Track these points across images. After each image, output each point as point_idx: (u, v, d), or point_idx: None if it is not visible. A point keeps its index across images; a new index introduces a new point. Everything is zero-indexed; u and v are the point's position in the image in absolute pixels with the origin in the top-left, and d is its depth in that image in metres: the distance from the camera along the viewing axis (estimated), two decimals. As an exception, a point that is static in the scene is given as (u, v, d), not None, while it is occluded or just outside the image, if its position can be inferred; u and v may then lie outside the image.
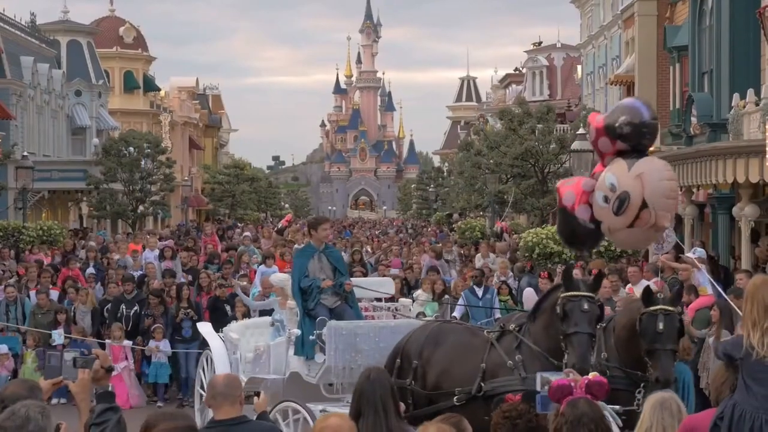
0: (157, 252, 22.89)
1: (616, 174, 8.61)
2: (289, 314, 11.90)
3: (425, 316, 13.37)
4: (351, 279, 12.31)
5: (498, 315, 16.21)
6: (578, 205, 8.87)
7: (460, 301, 16.63)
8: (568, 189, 9.04)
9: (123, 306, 17.75)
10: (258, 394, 6.76)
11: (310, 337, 11.19)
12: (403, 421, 6.44)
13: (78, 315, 18.04)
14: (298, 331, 11.37)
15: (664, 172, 8.73)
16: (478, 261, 23.34)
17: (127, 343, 17.06)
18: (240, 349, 12.66)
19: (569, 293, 8.99)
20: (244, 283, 18.82)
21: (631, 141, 8.68)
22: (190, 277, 20.24)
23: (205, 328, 14.00)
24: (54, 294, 18.66)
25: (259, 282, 18.16)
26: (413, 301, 13.70)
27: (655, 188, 8.55)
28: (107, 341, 16.67)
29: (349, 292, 11.72)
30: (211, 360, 12.98)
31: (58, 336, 16.72)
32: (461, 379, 9.76)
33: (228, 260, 22.34)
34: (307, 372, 11.32)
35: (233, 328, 13.37)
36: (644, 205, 8.49)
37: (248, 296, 17.92)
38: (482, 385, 9.43)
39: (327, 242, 12.33)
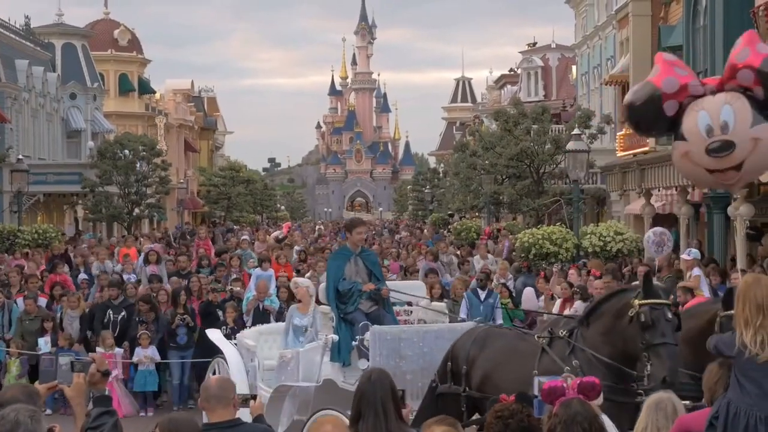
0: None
1: (736, 117, 7.90)
2: (323, 319, 11.52)
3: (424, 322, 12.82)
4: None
5: (500, 319, 16.02)
6: (671, 100, 8.13)
7: (463, 304, 16.21)
8: (673, 76, 8.18)
9: (110, 312, 17.29)
10: (254, 398, 6.74)
11: (353, 343, 10.87)
12: (404, 424, 6.39)
13: (66, 320, 17.55)
14: (336, 337, 11.00)
15: None
16: (477, 263, 23.07)
17: (119, 351, 16.64)
18: (258, 357, 12.22)
19: (651, 301, 8.50)
20: (238, 288, 18.50)
21: None
22: (186, 282, 20.01)
23: (215, 335, 13.58)
24: (42, 301, 18.16)
25: (254, 286, 17.82)
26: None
27: (760, 160, 8.07)
28: (98, 349, 16.17)
29: (386, 298, 11.40)
30: (220, 367, 12.53)
31: (44, 344, 16.39)
32: (511, 385, 9.18)
33: (220, 263, 22.09)
34: (344, 379, 10.92)
35: (247, 335, 12.92)
36: (739, 166, 7.99)
37: (241, 300, 17.59)
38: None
39: (363, 245, 11.94)
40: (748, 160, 7.97)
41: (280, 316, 16.35)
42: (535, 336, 9.58)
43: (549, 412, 5.23)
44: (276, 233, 31.88)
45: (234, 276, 20.13)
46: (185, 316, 17.09)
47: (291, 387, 11.23)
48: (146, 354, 16.74)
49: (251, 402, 6.67)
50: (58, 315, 17.80)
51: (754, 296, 6.36)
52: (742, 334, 6.33)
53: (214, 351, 15.96)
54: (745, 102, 7.93)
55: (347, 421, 6.24)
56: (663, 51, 30.61)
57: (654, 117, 8.37)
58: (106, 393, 5.93)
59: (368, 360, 10.62)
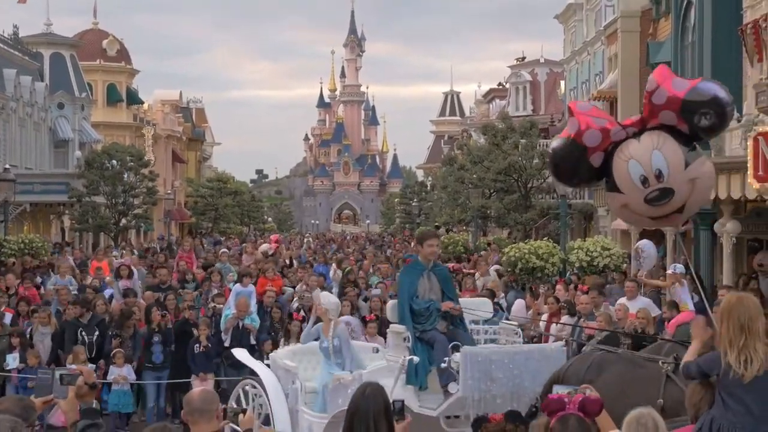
0: (137, 270, 22.20)
1: (669, 163, 7.70)
2: (396, 339, 10.67)
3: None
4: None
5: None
6: (596, 153, 7.90)
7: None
8: (595, 129, 7.90)
9: (81, 331, 16.02)
10: (244, 412, 6.71)
11: (442, 365, 10.15)
12: None
13: (37, 337, 16.34)
14: (416, 358, 10.25)
15: (712, 180, 8.06)
16: (479, 280, 22.65)
17: (91, 366, 15.09)
18: (299, 378, 11.33)
19: None
20: (221, 305, 17.56)
21: (698, 130, 7.79)
22: (160, 296, 18.89)
23: (242, 354, 12.64)
24: (9, 316, 16.95)
25: (233, 302, 16.89)
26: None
27: (700, 197, 7.98)
28: (69, 365, 14.47)
29: (458, 315, 10.75)
30: (255, 390, 11.60)
31: (12, 360, 15.60)
32: None
33: (206, 278, 21.44)
34: (420, 403, 10.16)
35: (282, 355, 12.00)
36: (681, 208, 7.89)
37: (221, 317, 16.80)
38: None
39: (435, 260, 11.12)
40: (689, 201, 7.90)
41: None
42: (660, 362, 8.69)
43: (546, 424, 5.25)
44: (264, 246, 31.71)
45: (216, 291, 19.27)
46: (159, 333, 16.22)
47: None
48: (120, 374, 15.81)
49: (240, 416, 6.64)
50: (28, 331, 16.60)
51: (737, 317, 6.42)
52: (727, 355, 6.37)
53: (197, 370, 15.48)
54: (672, 143, 7.77)
55: None
56: (651, 67, 30.80)
57: (581, 173, 8.20)
58: (94, 405, 5.92)
59: (458, 383, 9.95)
